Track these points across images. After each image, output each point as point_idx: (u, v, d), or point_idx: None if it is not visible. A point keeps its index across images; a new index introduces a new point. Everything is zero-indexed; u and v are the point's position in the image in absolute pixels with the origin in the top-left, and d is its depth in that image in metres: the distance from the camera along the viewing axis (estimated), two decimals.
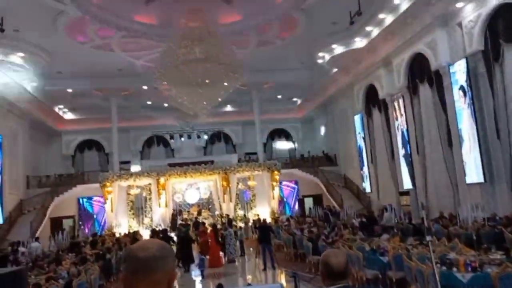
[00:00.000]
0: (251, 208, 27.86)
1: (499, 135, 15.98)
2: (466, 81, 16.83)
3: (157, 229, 22.74)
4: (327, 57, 25.29)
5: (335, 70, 27.68)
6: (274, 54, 25.32)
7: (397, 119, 22.42)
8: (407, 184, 21.93)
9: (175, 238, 19.90)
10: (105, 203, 26.75)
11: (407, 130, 21.47)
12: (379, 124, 24.92)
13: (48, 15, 19.04)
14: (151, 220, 26.70)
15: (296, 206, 32.11)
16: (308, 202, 31.96)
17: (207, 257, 15.85)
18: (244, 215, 27.12)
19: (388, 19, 20.63)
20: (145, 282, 1.76)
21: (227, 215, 25.18)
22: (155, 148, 37.17)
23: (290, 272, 7.54)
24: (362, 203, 27.70)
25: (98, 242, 18.93)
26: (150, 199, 27.17)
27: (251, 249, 19.40)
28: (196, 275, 15.20)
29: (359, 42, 23.55)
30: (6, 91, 23.83)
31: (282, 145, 38.82)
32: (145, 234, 23.14)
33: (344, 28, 22.39)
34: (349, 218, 22.52)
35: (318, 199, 31.16)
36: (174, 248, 16.64)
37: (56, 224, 27.90)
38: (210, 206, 28.55)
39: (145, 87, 28.22)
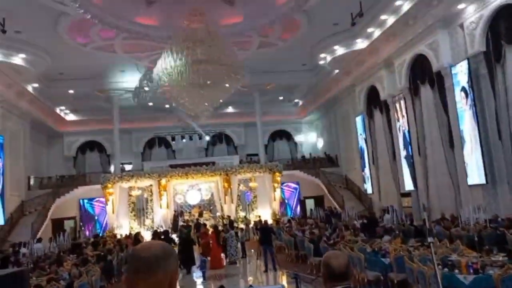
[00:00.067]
0: (253, 210, 27.84)
1: (501, 136, 15.95)
2: (468, 82, 16.81)
3: (158, 230, 22.72)
4: (329, 58, 25.30)
5: (336, 71, 27.68)
6: (275, 55, 25.32)
7: (398, 120, 22.40)
8: (408, 185, 21.90)
9: (176, 240, 19.92)
10: (106, 204, 26.75)
11: (409, 131, 21.45)
12: (380, 125, 24.90)
13: (49, 16, 19.07)
14: (152, 221, 26.69)
15: (298, 208, 32.06)
16: (310, 204, 31.92)
17: (209, 258, 15.83)
18: (245, 216, 27.10)
19: (389, 20, 20.63)
20: (147, 282, 1.79)
21: (228, 217, 25.18)
22: (156, 149, 37.18)
23: (291, 274, 7.51)
24: (364, 204, 27.68)
25: (99, 243, 18.94)
26: (151, 200, 27.17)
27: (252, 250, 19.39)
28: (197, 276, 15.20)
29: (361, 43, 23.55)
30: (8, 92, 23.85)
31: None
32: (146, 236, 23.12)
33: (345, 29, 22.40)
34: (350, 220, 22.50)
35: (319, 201, 31.13)
36: (176, 249, 16.65)
37: (58, 225, 27.90)
38: (211, 208, 28.54)
39: (146, 89, 28.21)
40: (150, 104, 32.53)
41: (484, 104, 16.67)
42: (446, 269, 8.16)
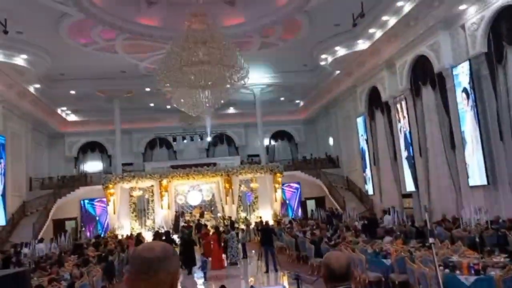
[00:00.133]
0: (254, 210, 27.84)
1: (502, 137, 15.93)
2: (469, 83, 16.80)
3: (160, 231, 22.72)
4: (330, 59, 25.29)
5: (337, 72, 27.67)
6: (277, 56, 25.33)
7: (399, 121, 22.39)
8: (409, 186, 21.88)
9: (177, 241, 19.93)
10: (107, 205, 26.76)
11: (410, 132, 21.43)
12: (381, 126, 24.89)
13: (51, 17, 19.09)
14: (154, 222, 26.70)
15: (299, 209, 32.05)
16: (311, 204, 31.91)
17: (210, 259, 15.84)
18: (245, 217, 27.10)
19: (391, 21, 20.62)
20: (148, 283, 1.80)
21: (230, 217, 25.19)
22: (157, 150, 37.20)
23: (292, 275, 7.50)
24: (365, 205, 27.67)
25: (101, 244, 18.96)
26: (152, 201, 27.18)
27: (253, 251, 19.38)
28: (198, 277, 15.20)
29: (362, 44, 23.54)
30: (9, 92, 23.89)
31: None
32: (148, 236, 23.13)
33: (347, 30, 22.40)
34: (351, 221, 22.50)
35: (320, 201, 31.12)
36: (177, 250, 16.66)
37: (59, 226, 27.92)
38: (212, 208, 28.56)
39: (148, 89, 28.28)
40: (151, 104, 32.61)
41: (485, 105, 16.66)
42: (447, 270, 8.15)
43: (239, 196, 27.68)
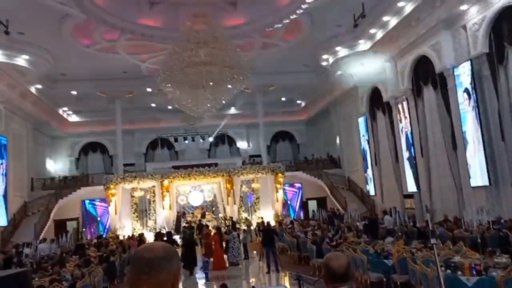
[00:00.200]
0: (255, 211, 27.83)
1: (504, 138, 15.92)
2: (471, 83, 16.79)
3: (162, 231, 22.73)
4: (331, 59, 25.27)
5: (339, 72, 27.64)
6: (278, 56, 25.33)
7: (401, 122, 22.38)
8: (411, 186, 21.86)
9: (179, 241, 19.94)
10: (109, 205, 26.77)
11: (411, 132, 21.42)
12: (383, 127, 24.88)
13: (53, 18, 19.11)
14: (155, 222, 26.71)
15: (300, 209, 32.03)
16: (312, 205, 31.89)
17: (211, 259, 15.84)
18: (246, 218, 27.09)
19: (392, 21, 20.58)
20: (150, 282, 1.81)
21: (231, 218, 25.18)
22: (159, 151, 37.21)
23: (294, 275, 7.50)
24: (366, 205, 27.65)
25: (103, 244, 18.98)
26: (154, 201, 27.18)
27: (254, 252, 19.38)
28: (200, 277, 15.20)
29: (363, 45, 23.51)
30: (11, 93, 23.92)
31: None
32: (149, 237, 23.14)
33: (348, 30, 22.38)
34: (353, 221, 22.48)
35: (322, 202, 31.11)
36: (179, 250, 16.66)
37: (60, 226, 27.93)
38: (214, 209, 28.56)
39: (149, 90, 28.29)
40: (153, 105, 32.63)
41: (487, 105, 16.65)
42: (449, 271, 8.14)
43: (240, 196, 27.67)
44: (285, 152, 38.30)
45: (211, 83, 18.64)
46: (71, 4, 18.01)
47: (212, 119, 28.02)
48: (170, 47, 19.17)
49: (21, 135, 27.05)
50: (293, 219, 27.25)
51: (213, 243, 16.57)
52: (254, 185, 27.82)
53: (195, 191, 28.61)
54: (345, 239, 14.88)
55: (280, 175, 27.65)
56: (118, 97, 29.27)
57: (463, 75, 17.19)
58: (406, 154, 22.24)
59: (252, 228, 24.52)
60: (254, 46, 23.94)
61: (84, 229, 29.78)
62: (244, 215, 27.48)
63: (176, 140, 35.62)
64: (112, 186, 26.24)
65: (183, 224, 24.91)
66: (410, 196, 22.58)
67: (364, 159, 27.44)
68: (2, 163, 23.19)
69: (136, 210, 27.22)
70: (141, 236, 21.65)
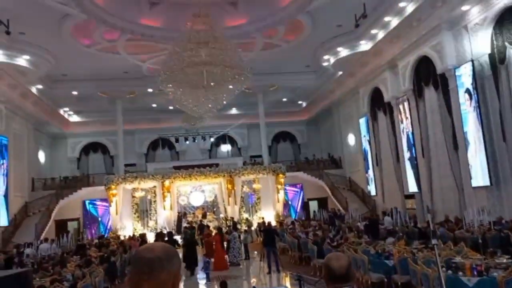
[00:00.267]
0: (256, 211, 27.83)
1: (505, 138, 15.90)
2: (472, 84, 16.76)
3: (163, 231, 22.72)
4: (332, 60, 25.28)
5: (340, 73, 27.67)
6: (279, 57, 25.34)
7: (402, 122, 22.35)
8: (412, 187, 21.83)
9: (180, 241, 19.93)
10: (109, 205, 26.78)
11: (412, 133, 21.40)
12: (384, 127, 24.86)
13: (53, 18, 19.14)
14: (156, 223, 26.71)
15: (301, 209, 32.02)
16: (313, 205, 31.89)
17: (212, 260, 15.84)
18: (247, 218, 27.09)
19: (393, 22, 20.61)
20: (150, 282, 1.82)
21: (232, 218, 25.17)
22: (160, 151, 37.21)
23: (294, 275, 7.49)
24: (367, 206, 27.63)
25: (104, 244, 18.99)
26: (155, 201, 27.18)
27: (255, 252, 19.37)
28: (201, 278, 15.20)
29: (365, 45, 23.54)
30: (12, 93, 23.94)
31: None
32: (150, 237, 23.14)
33: (349, 30, 22.39)
34: (354, 221, 22.47)
35: (323, 202, 31.11)
36: (181, 251, 16.66)
37: (61, 226, 27.94)
38: (215, 209, 28.56)
39: (150, 90, 28.31)
40: (154, 105, 32.65)
41: (488, 105, 16.63)
42: (450, 271, 8.13)
43: (241, 197, 27.67)
44: (286, 153, 38.26)
45: (212, 83, 18.63)
46: (71, 4, 18.03)
47: (213, 120, 28.06)
48: (170, 47, 19.17)
49: (22, 135, 27.07)
50: (294, 219, 27.23)
51: (214, 243, 16.56)
52: (255, 186, 27.82)
53: (196, 192, 28.62)
54: (346, 240, 14.87)
55: (281, 175, 27.65)
56: (119, 97, 29.30)
57: (465, 75, 17.17)
58: (407, 155, 22.21)
59: (252, 228, 24.51)
60: (255, 46, 23.94)
61: (84, 229, 29.78)
62: (245, 215, 27.48)
63: (177, 140, 35.63)
64: (113, 187, 26.27)
65: (184, 224, 24.90)
66: (411, 196, 22.56)
67: (365, 159, 27.42)
68: (3, 163, 23.19)
69: (137, 210, 27.23)
70: (143, 236, 21.67)
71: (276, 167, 28.28)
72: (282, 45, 24.26)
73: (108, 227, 28.81)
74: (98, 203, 30.18)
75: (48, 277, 11.20)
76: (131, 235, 24.15)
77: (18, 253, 17.74)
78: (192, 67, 17.56)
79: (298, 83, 30.63)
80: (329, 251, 11.78)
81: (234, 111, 36.01)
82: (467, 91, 17.07)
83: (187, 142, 35.34)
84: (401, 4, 19.29)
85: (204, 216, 26.97)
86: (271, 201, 27.63)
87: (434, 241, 5.38)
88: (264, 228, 17.01)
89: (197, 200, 28.66)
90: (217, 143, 37.91)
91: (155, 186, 27.08)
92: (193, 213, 27.82)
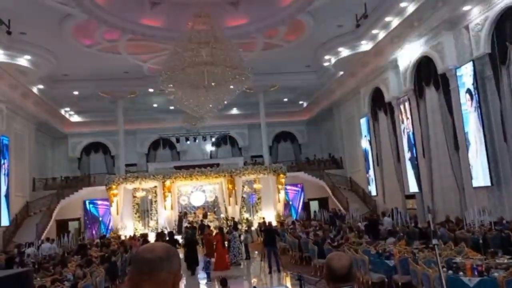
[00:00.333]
0: (257, 211, 27.85)
1: (506, 138, 15.89)
2: (473, 84, 16.75)
3: (164, 231, 22.73)
4: (333, 60, 25.27)
5: (341, 73, 27.66)
6: (280, 57, 25.35)
7: (403, 122, 22.34)
8: (413, 187, 21.82)
9: (181, 241, 19.95)
10: (110, 205, 26.80)
11: (413, 133, 21.39)
12: (385, 127, 24.86)
13: (54, 18, 19.15)
14: (157, 223, 26.74)
15: (302, 209, 32.01)
16: (314, 205, 31.88)
17: (213, 259, 15.84)
18: (247, 218, 27.08)
19: (394, 22, 20.60)
20: (151, 282, 1.84)
21: (233, 218, 25.18)
22: (161, 151, 37.22)
23: (295, 275, 7.51)
24: (368, 206, 27.63)
25: (106, 244, 19.02)
26: (155, 201, 27.21)
27: (256, 252, 19.37)
28: (201, 277, 15.20)
29: (365, 45, 23.53)
30: (13, 93, 23.96)
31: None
32: (151, 237, 23.15)
33: (350, 31, 22.39)
34: (354, 221, 22.47)
35: (323, 202, 31.09)
36: (182, 250, 16.68)
37: (62, 226, 27.95)
38: (215, 209, 28.56)
39: (151, 90, 28.33)
40: (155, 105, 32.67)
41: (489, 106, 16.62)
42: (450, 272, 8.13)
43: (242, 197, 27.69)
44: (286, 153, 38.25)
45: (212, 84, 18.64)
46: (72, 4, 18.04)
47: (214, 120, 28.05)
48: (171, 47, 19.18)
49: (23, 135, 27.09)
50: (295, 219, 27.23)
51: (214, 243, 16.56)
52: (255, 186, 27.84)
53: (197, 192, 28.64)
54: (347, 240, 14.88)
55: (281, 175, 27.67)
56: (120, 97, 29.32)
57: (466, 75, 17.16)
58: (408, 155, 22.21)
59: (253, 228, 24.51)
60: (255, 46, 23.94)
61: (85, 229, 29.77)
62: (246, 215, 27.49)
63: (178, 140, 35.65)
64: (114, 186, 26.30)
65: (185, 224, 24.91)
66: (412, 196, 22.54)
67: (366, 159, 27.41)
68: (4, 163, 23.21)
69: (138, 210, 27.26)
70: (144, 236, 21.69)
71: (277, 167, 28.30)
72: (283, 45, 24.26)
73: (109, 227, 28.82)
74: (99, 202, 30.16)
75: (49, 277, 11.22)
76: (132, 235, 24.17)
77: (19, 253, 17.76)
78: (193, 67, 17.56)
79: (299, 83, 30.64)
80: (330, 251, 11.78)
81: (235, 111, 36.02)
82: (468, 91, 17.06)
83: (188, 142, 35.37)
84: (402, 4, 19.29)
85: (205, 216, 26.98)
86: (271, 201, 27.64)
87: (434, 241, 5.38)
88: (265, 228, 17.03)
89: (198, 200, 28.68)
90: (217, 143, 37.89)
91: (156, 186, 27.10)
92: (194, 213, 27.83)
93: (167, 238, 18.97)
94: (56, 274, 11.56)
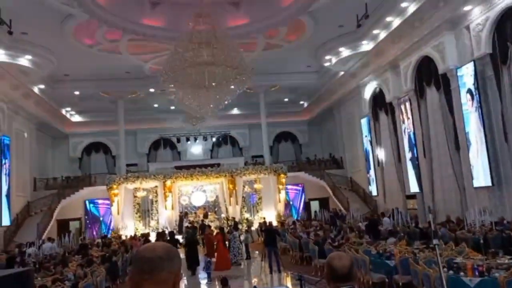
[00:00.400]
0: (257, 211, 27.86)
1: (507, 138, 15.88)
2: (474, 84, 16.75)
3: (165, 231, 22.75)
4: (334, 60, 25.26)
5: (342, 73, 27.65)
6: (281, 57, 25.34)
7: (404, 122, 22.34)
8: (413, 187, 21.82)
9: (181, 241, 19.95)
10: (111, 205, 26.81)
11: (414, 133, 21.38)
12: (385, 127, 24.85)
13: (56, 18, 19.16)
14: (157, 222, 26.75)
15: (303, 210, 32.01)
16: (314, 205, 31.88)
17: (213, 259, 15.84)
18: (247, 218, 27.08)
19: (395, 22, 20.58)
20: (151, 281, 1.84)
21: (233, 218, 25.18)
22: (161, 151, 37.24)
23: (296, 275, 7.51)
24: (369, 206, 27.62)
25: (107, 244, 19.04)
26: (156, 201, 27.23)
27: (256, 252, 19.38)
28: (202, 277, 15.21)
29: (366, 45, 23.51)
30: (14, 93, 23.98)
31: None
32: (152, 237, 23.17)
33: (351, 31, 22.37)
34: (355, 222, 22.47)
35: (324, 202, 31.09)
36: (182, 250, 16.67)
37: (63, 226, 27.98)
38: (216, 209, 28.57)
39: (152, 90, 28.34)
40: (156, 105, 32.68)
41: (490, 106, 16.61)
42: (451, 272, 8.12)
43: (243, 197, 27.69)
44: (287, 153, 38.23)
45: (213, 84, 18.65)
46: (73, 4, 18.05)
47: (215, 120, 28.05)
48: (172, 47, 19.20)
49: (24, 134, 27.09)
50: (296, 219, 27.24)
51: (215, 242, 16.56)
52: (256, 186, 27.84)
53: (198, 191, 28.65)
54: (347, 240, 14.88)
55: (282, 175, 27.67)
56: (121, 97, 29.33)
57: (466, 75, 17.15)
58: (408, 155, 22.20)
59: (253, 228, 24.50)
60: (256, 47, 23.94)
61: (85, 229, 29.78)
62: (246, 215, 27.49)
63: (178, 140, 35.67)
64: (114, 186, 26.31)
65: (186, 224, 24.93)
66: (412, 196, 22.54)
67: (367, 159, 27.41)
68: (5, 163, 23.23)
69: (138, 210, 27.29)
70: (146, 236, 21.71)
71: (278, 167, 28.31)
72: (283, 45, 24.25)
73: (110, 227, 28.84)
74: (99, 202, 30.17)
75: (49, 277, 11.22)
76: (133, 234, 24.18)
77: (20, 252, 17.77)
78: (194, 67, 17.58)
79: (300, 83, 30.63)
80: (330, 251, 11.78)
81: (235, 111, 36.02)
82: (469, 91, 17.05)
83: (189, 142, 35.37)
84: (403, 4, 19.27)
85: (205, 216, 26.99)
86: (272, 201, 27.65)
87: (435, 241, 5.37)
88: (266, 228, 17.02)
89: (198, 200, 28.70)
90: (218, 143, 37.90)
91: (156, 186, 27.12)
92: (195, 213, 27.84)
93: (168, 238, 18.97)
94: (57, 273, 11.57)
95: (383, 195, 25.83)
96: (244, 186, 27.69)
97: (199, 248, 18.29)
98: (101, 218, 30.35)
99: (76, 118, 34.76)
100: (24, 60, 21.94)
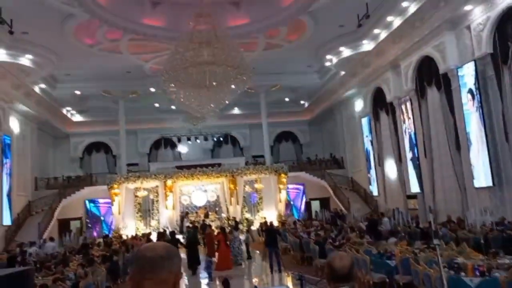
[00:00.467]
0: (258, 211, 27.84)
1: (508, 138, 15.87)
2: (475, 84, 16.74)
3: (166, 231, 22.74)
4: (335, 60, 25.25)
5: (342, 73, 27.64)
6: (281, 56, 25.34)
7: (404, 122, 22.34)
8: (414, 187, 21.82)
9: (182, 241, 19.94)
10: (112, 205, 26.82)
11: (415, 133, 21.38)
12: (386, 127, 24.84)
13: (56, 18, 19.17)
14: (158, 222, 26.76)
15: (304, 210, 32.00)
16: (315, 205, 31.86)
17: (214, 259, 15.83)
18: (247, 218, 27.08)
19: (396, 22, 20.58)
20: (151, 281, 1.85)
21: (234, 218, 25.18)
22: (162, 151, 37.26)
23: (296, 275, 7.52)
24: (370, 206, 27.61)
25: (108, 244, 19.05)
26: (157, 201, 27.23)
27: (257, 252, 19.38)
28: (203, 277, 15.21)
29: (367, 45, 23.50)
30: (15, 93, 23.99)
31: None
32: (154, 237, 23.16)
33: (351, 31, 22.37)
34: (356, 221, 22.45)
35: (325, 202, 31.06)
36: (183, 250, 16.66)
37: (64, 225, 28.00)
38: (217, 209, 28.56)
39: (152, 90, 28.35)
40: (156, 105, 32.70)
41: (491, 106, 16.60)
42: (452, 272, 8.12)
43: (243, 197, 27.69)
44: (288, 153, 38.23)
45: (214, 83, 18.64)
46: (74, 4, 18.06)
47: (216, 120, 28.05)
48: (173, 47, 19.20)
49: (25, 134, 27.13)
50: (296, 219, 27.23)
51: (216, 242, 16.55)
52: (257, 186, 27.83)
53: (199, 191, 28.65)
54: (348, 240, 14.88)
55: (283, 175, 27.67)
56: (122, 97, 29.37)
57: (467, 75, 17.14)
58: (409, 155, 22.20)
59: (253, 228, 24.51)
60: (257, 46, 23.94)
61: (86, 229, 29.79)
62: (247, 215, 27.49)
63: (179, 140, 35.68)
64: (115, 186, 26.34)
65: (187, 224, 24.93)
66: (413, 196, 22.53)
67: (368, 159, 27.40)
68: (6, 163, 23.26)
69: (139, 210, 27.29)
70: (148, 236, 21.71)
71: (278, 167, 28.31)
72: (284, 45, 24.25)
73: (111, 226, 28.84)
74: (100, 201, 30.18)
75: (50, 276, 11.23)
76: (134, 234, 24.19)
77: (21, 252, 17.77)
78: (195, 67, 17.58)
79: (301, 83, 30.65)
80: (331, 251, 11.79)
81: (236, 111, 36.02)
82: (470, 91, 17.05)
83: (190, 142, 35.37)
84: (404, 4, 19.27)
85: (206, 215, 26.99)
86: (273, 201, 27.64)
87: (436, 241, 5.39)
88: (266, 228, 17.02)
89: (199, 199, 28.69)
90: (219, 143, 37.91)
91: (157, 186, 27.12)
92: (196, 213, 27.84)
93: (170, 238, 18.97)
94: (57, 273, 11.57)
95: (384, 195, 25.83)
96: (244, 186, 27.68)
97: (200, 247, 18.27)
98: (102, 218, 30.35)
99: (77, 117, 34.80)
100: (25, 60, 21.97)
